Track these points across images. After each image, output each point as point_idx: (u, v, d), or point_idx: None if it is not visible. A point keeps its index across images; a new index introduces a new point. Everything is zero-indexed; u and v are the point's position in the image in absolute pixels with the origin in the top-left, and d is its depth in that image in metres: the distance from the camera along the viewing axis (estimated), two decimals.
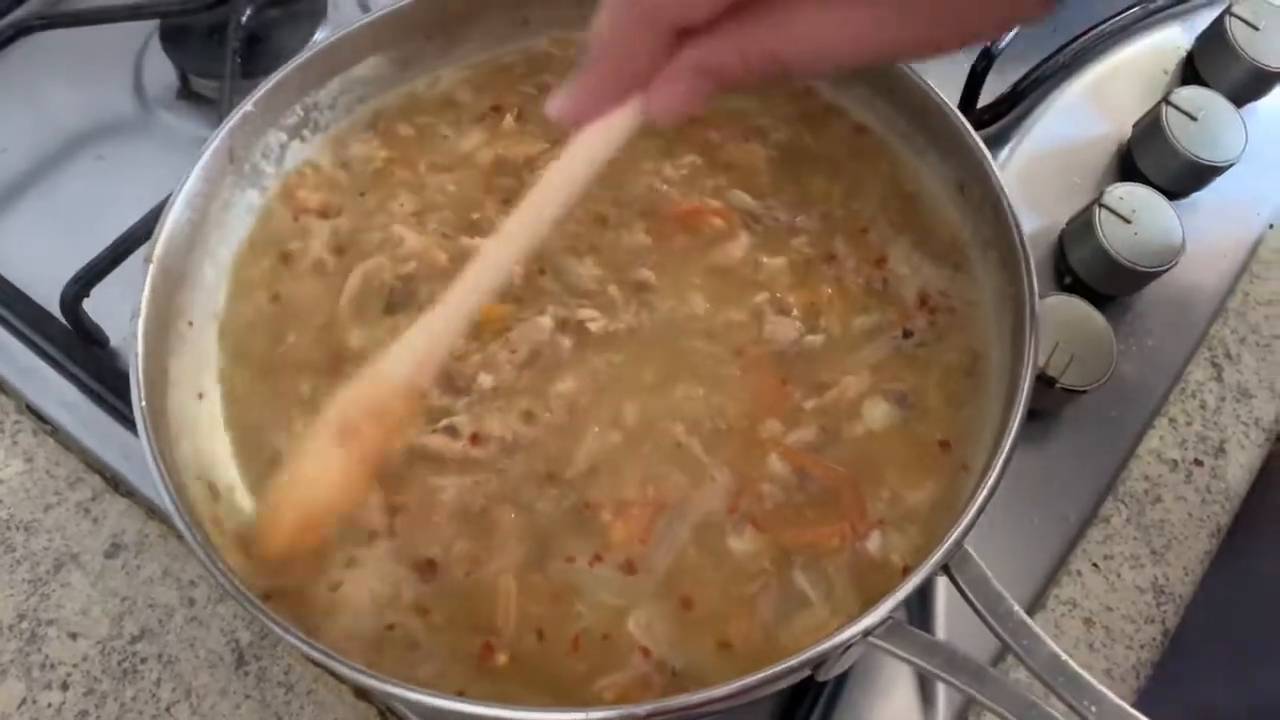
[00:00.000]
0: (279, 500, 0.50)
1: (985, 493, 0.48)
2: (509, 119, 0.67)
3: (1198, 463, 0.71)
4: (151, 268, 0.56)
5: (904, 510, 0.55)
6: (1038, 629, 0.47)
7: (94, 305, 0.69)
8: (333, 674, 0.63)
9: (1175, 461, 0.71)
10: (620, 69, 0.42)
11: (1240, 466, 0.71)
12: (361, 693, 0.63)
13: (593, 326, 0.59)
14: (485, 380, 0.58)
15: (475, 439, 0.56)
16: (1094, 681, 0.45)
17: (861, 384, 0.58)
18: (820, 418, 0.57)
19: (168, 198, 0.58)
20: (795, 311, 0.60)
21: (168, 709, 0.62)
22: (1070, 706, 0.45)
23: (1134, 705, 0.62)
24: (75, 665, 0.63)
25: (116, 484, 0.68)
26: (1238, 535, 0.69)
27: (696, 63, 0.41)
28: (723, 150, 0.65)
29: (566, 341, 0.59)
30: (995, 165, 0.58)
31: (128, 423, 0.68)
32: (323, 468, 0.48)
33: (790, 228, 0.63)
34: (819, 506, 0.55)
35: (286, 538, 0.49)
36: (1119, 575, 0.67)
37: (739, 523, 0.54)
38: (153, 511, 0.67)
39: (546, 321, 0.59)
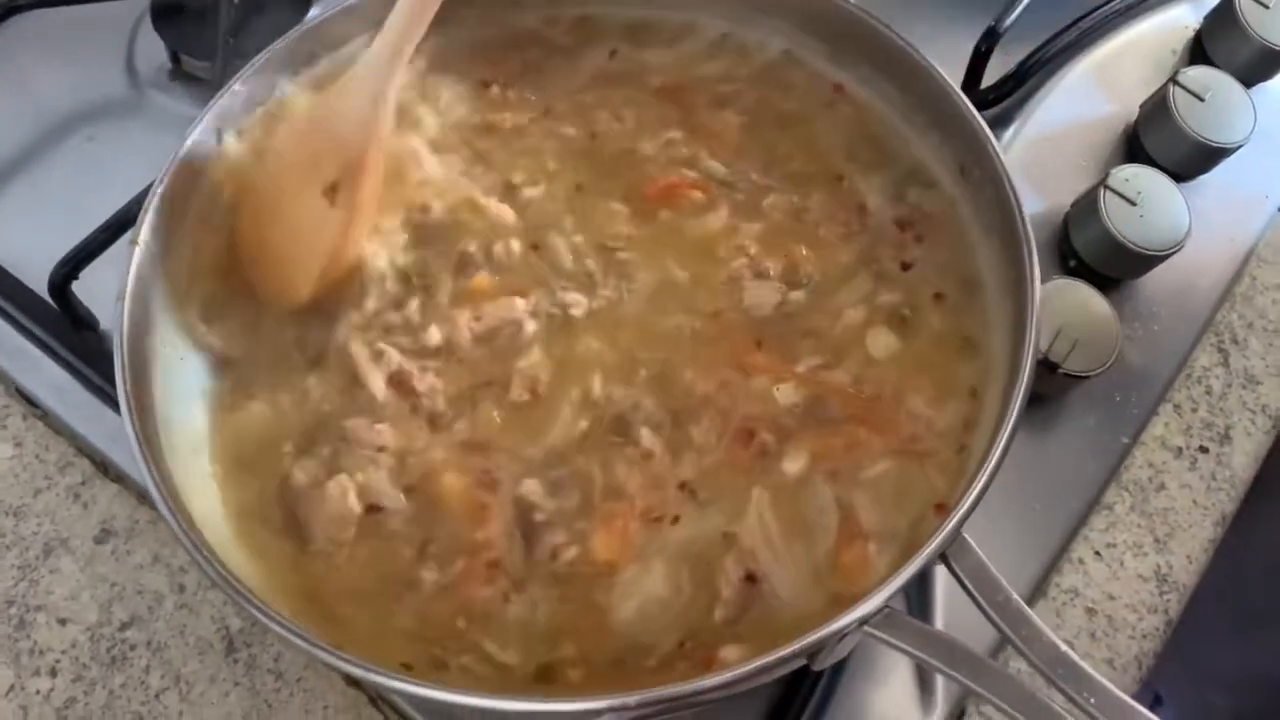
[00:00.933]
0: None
1: (984, 480, 0.47)
2: (495, 89, 0.66)
3: (1203, 449, 0.70)
4: (137, 250, 0.55)
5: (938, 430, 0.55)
6: (1037, 620, 0.46)
7: (84, 288, 0.68)
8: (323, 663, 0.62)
9: (1180, 448, 0.70)
10: None
11: (1246, 454, 0.70)
12: (352, 680, 0.62)
13: (576, 312, 0.58)
14: (434, 334, 0.58)
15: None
16: (1094, 673, 0.44)
17: (858, 315, 0.58)
18: (822, 356, 0.57)
19: (155, 179, 0.57)
20: (773, 273, 0.60)
21: (157, 696, 0.62)
22: (1070, 698, 0.44)
23: (1139, 685, 0.62)
24: (64, 652, 0.63)
25: (106, 469, 0.68)
26: (1248, 504, 0.68)
27: None
28: (700, 119, 0.65)
29: (533, 326, 0.58)
30: (998, 146, 0.56)
31: (117, 406, 0.67)
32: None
33: (765, 189, 0.63)
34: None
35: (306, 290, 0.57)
36: (1122, 563, 0.66)
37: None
38: (143, 497, 0.67)
39: (520, 304, 0.59)
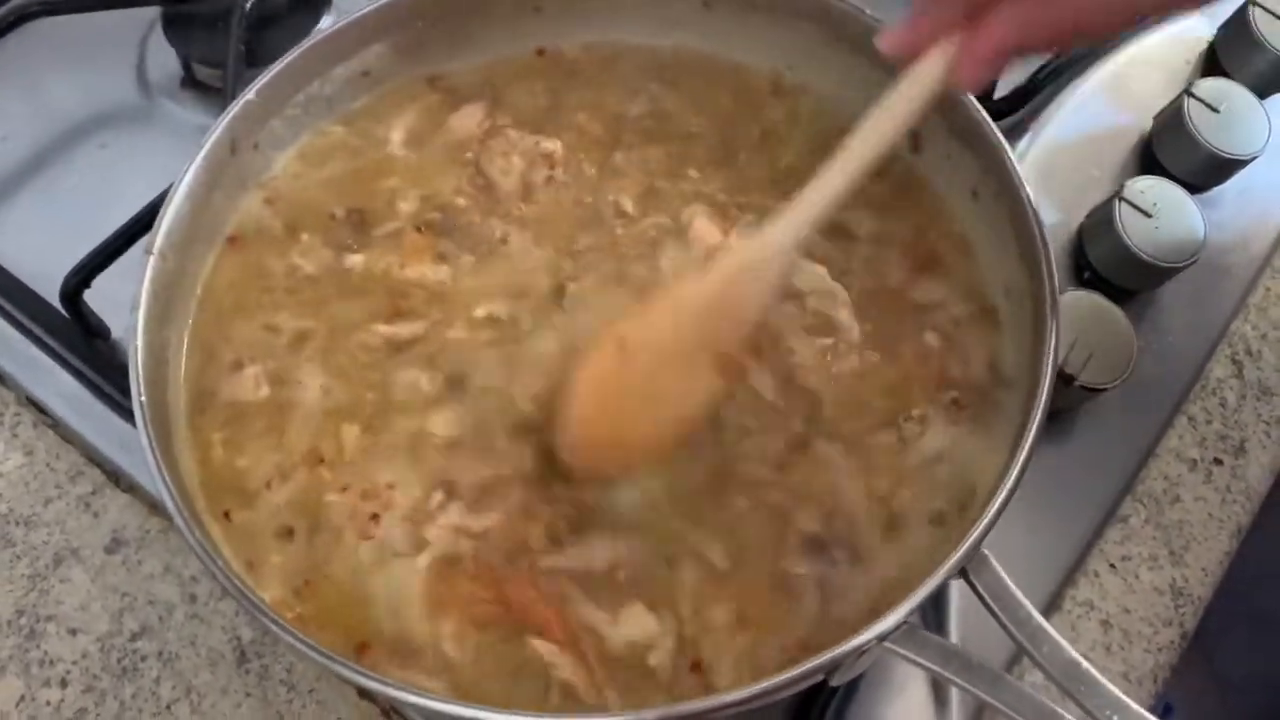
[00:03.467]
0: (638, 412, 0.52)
1: (1003, 495, 0.47)
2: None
3: (1218, 462, 0.70)
4: (152, 259, 0.55)
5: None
6: (1056, 635, 0.45)
7: (96, 297, 0.68)
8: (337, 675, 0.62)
9: (1195, 460, 0.70)
10: (950, 9, 0.45)
11: (1261, 466, 0.70)
12: (364, 691, 0.62)
13: None
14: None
15: None
16: (1114, 689, 0.44)
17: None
18: None
19: (169, 188, 0.57)
20: None
21: (168, 707, 0.61)
22: (1088, 713, 0.44)
23: (1154, 699, 0.62)
24: (75, 662, 0.62)
25: (118, 479, 0.67)
26: (1262, 516, 0.68)
27: (1022, 16, 0.43)
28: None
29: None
30: (1014, 156, 0.56)
31: (129, 416, 0.65)
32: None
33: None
34: None
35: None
36: (1137, 576, 0.66)
37: None
38: (154, 507, 0.66)
39: None
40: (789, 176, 0.61)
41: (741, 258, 0.52)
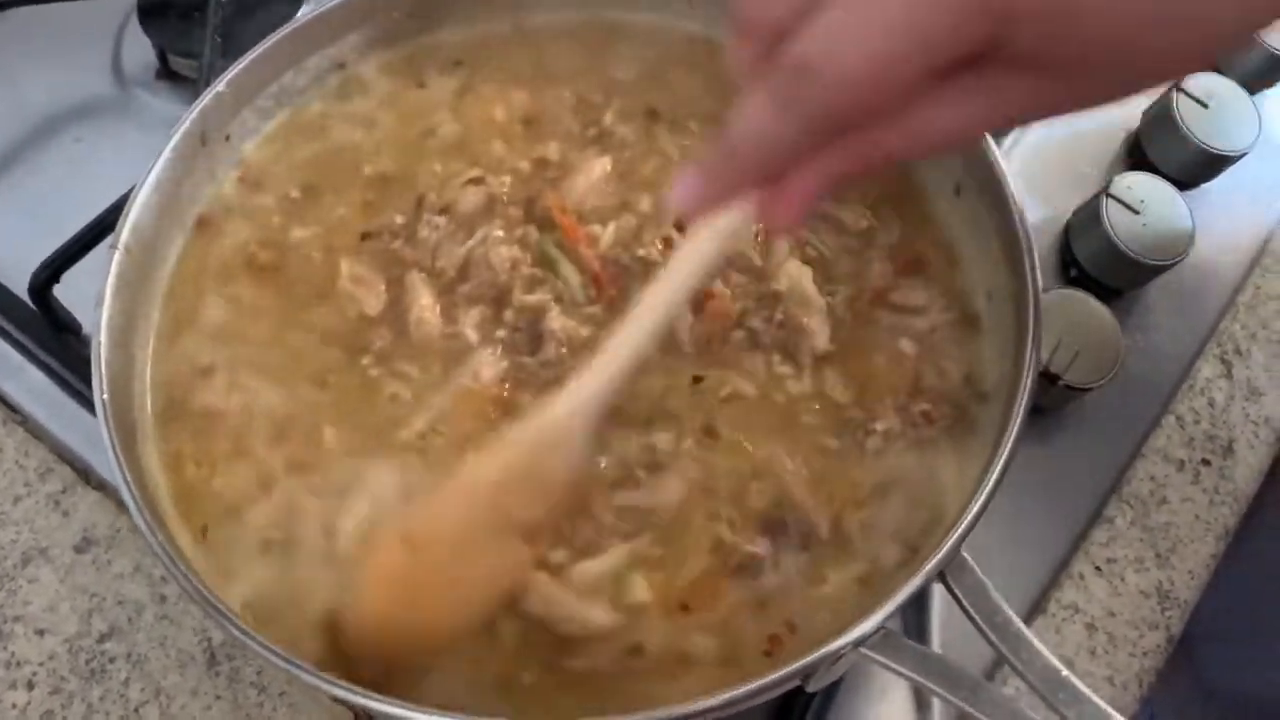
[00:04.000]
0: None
1: (983, 498, 0.46)
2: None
3: (1205, 462, 0.69)
4: (117, 254, 0.54)
5: None
6: (1036, 642, 0.44)
7: (66, 293, 0.67)
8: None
9: (1182, 461, 0.69)
10: (761, 164, 0.39)
11: (1249, 467, 0.69)
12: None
13: None
14: None
15: None
16: (1095, 697, 0.43)
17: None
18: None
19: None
20: None
21: (136, 710, 0.60)
22: None
23: (1139, 703, 0.61)
24: (42, 664, 0.61)
25: (88, 476, 0.66)
26: (1251, 518, 0.67)
27: (826, 166, 0.38)
28: None
29: None
30: (999, 152, 0.55)
31: None
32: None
33: None
34: None
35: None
36: (1122, 579, 0.65)
37: None
38: (123, 506, 0.65)
39: None
40: None
41: (534, 433, 0.49)
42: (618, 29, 0.66)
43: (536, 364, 0.55)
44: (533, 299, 0.56)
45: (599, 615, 0.49)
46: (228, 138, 0.61)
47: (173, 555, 0.46)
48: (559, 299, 0.57)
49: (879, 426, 0.54)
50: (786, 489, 0.53)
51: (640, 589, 0.50)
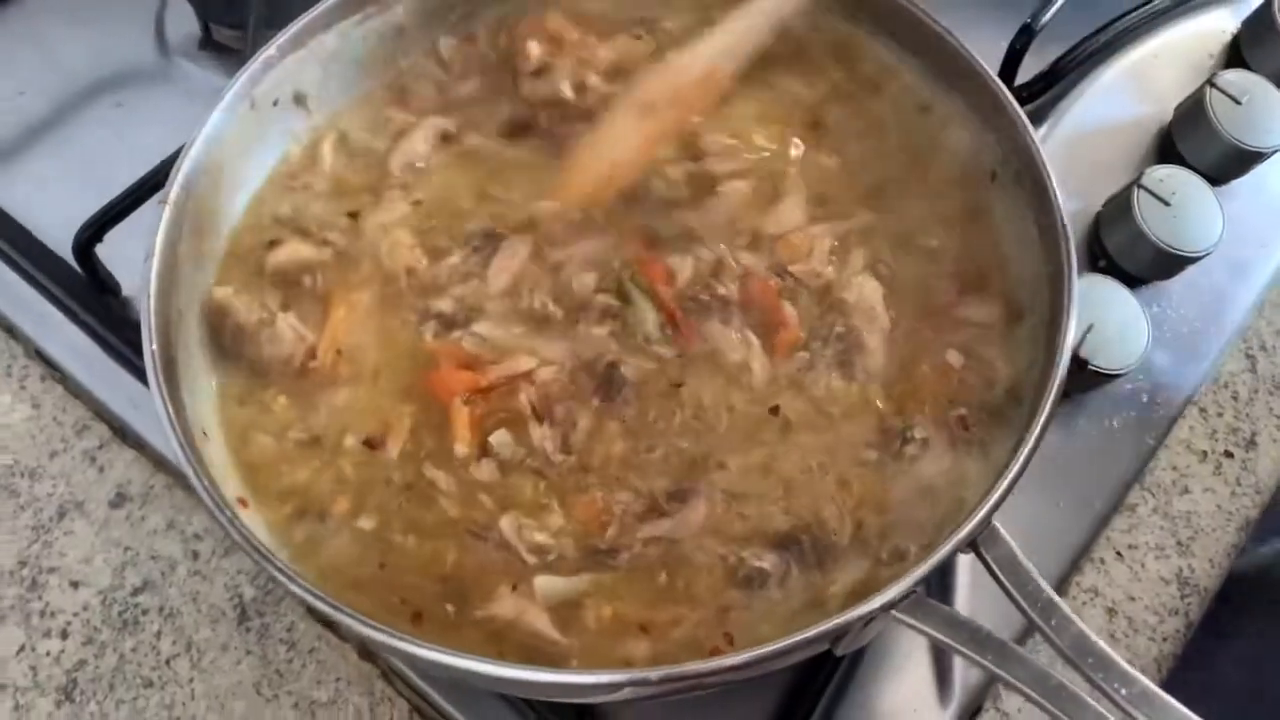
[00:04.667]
0: (585, 157, 0.62)
1: (1017, 467, 0.47)
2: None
3: (1228, 454, 0.69)
4: (166, 210, 0.55)
5: None
6: (1067, 608, 0.45)
7: (109, 254, 0.68)
8: (338, 630, 0.62)
9: (1205, 452, 0.69)
10: None
11: (1271, 460, 0.69)
12: (365, 653, 0.61)
13: None
14: None
15: None
16: (1123, 662, 0.43)
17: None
18: None
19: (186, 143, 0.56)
20: None
21: (167, 662, 0.61)
22: (1097, 686, 0.44)
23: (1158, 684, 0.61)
24: (75, 614, 0.62)
25: (124, 434, 0.67)
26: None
27: None
28: None
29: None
30: (1037, 136, 0.56)
31: (137, 372, 0.67)
32: (624, 135, 0.61)
33: None
34: None
35: (588, 187, 0.61)
36: (1143, 565, 0.66)
37: None
38: (159, 463, 0.66)
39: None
40: None
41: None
42: None
43: None
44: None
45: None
46: (276, 102, 0.61)
47: (220, 504, 0.47)
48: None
49: (917, 434, 0.55)
50: (816, 508, 0.54)
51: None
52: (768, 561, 0.52)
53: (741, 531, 0.53)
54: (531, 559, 0.52)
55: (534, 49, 0.64)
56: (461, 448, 0.55)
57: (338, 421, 0.56)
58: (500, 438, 0.55)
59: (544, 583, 0.52)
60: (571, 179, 0.61)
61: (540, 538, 0.53)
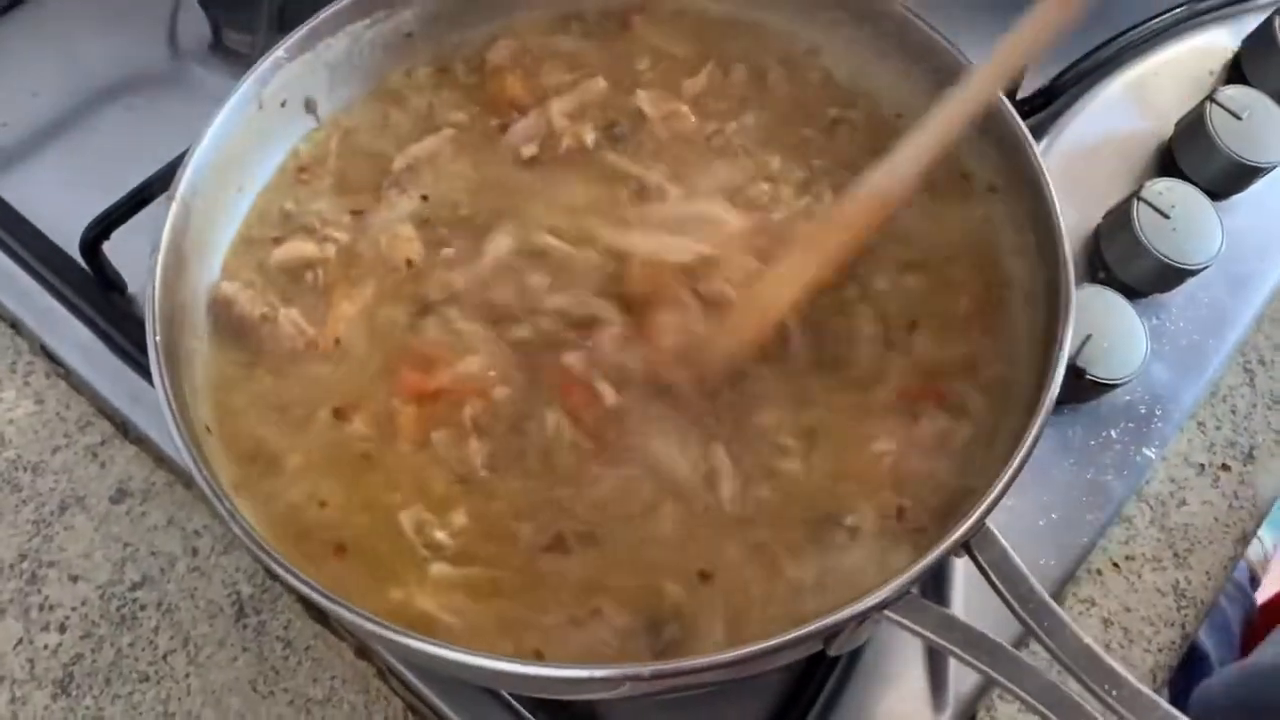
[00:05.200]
0: (758, 295, 0.56)
1: (1011, 469, 0.47)
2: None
3: (1225, 468, 0.70)
4: (174, 205, 0.55)
5: None
6: (1060, 611, 0.45)
7: (115, 252, 0.68)
8: (335, 628, 0.62)
9: (1203, 465, 0.70)
10: None
11: (1270, 474, 0.70)
12: (361, 651, 0.61)
13: None
14: None
15: None
16: (1116, 665, 0.43)
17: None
18: None
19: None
20: None
21: (164, 657, 0.61)
22: (1091, 690, 0.44)
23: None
24: (74, 608, 0.62)
25: (126, 430, 0.68)
26: None
27: None
28: None
29: None
30: (1037, 150, 0.56)
31: (141, 369, 0.67)
32: (797, 273, 0.56)
33: None
34: None
35: (755, 330, 0.56)
36: (1140, 576, 0.66)
37: None
38: (160, 459, 0.67)
39: None
40: None
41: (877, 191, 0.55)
42: None
43: None
44: None
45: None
46: (283, 104, 0.62)
47: (221, 497, 0.47)
48: None
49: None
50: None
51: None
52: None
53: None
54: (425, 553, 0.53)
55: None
56: (404, 445, 0.55)
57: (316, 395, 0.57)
58: (439, 437, 0.55)
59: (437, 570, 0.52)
60: (742, 320, 0.57)
61: (439, 535, 0.53)
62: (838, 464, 0.55)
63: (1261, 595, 1.34)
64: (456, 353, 0.57)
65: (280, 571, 0.45)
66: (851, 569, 0.52)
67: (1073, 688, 0.44)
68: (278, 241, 0.61)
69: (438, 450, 0.55)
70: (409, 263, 0.60)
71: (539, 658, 0.49)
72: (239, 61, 0.80)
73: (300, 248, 0.60)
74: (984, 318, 0.58)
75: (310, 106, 0.64)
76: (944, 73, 0.60)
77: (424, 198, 0.62)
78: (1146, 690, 0.43)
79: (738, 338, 0.56)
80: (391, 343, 0.58)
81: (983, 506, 0.46)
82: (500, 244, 0.60)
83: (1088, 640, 0.44)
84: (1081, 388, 0.64)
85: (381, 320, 0.59)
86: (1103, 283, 0.70)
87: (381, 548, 0.53)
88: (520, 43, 0.67)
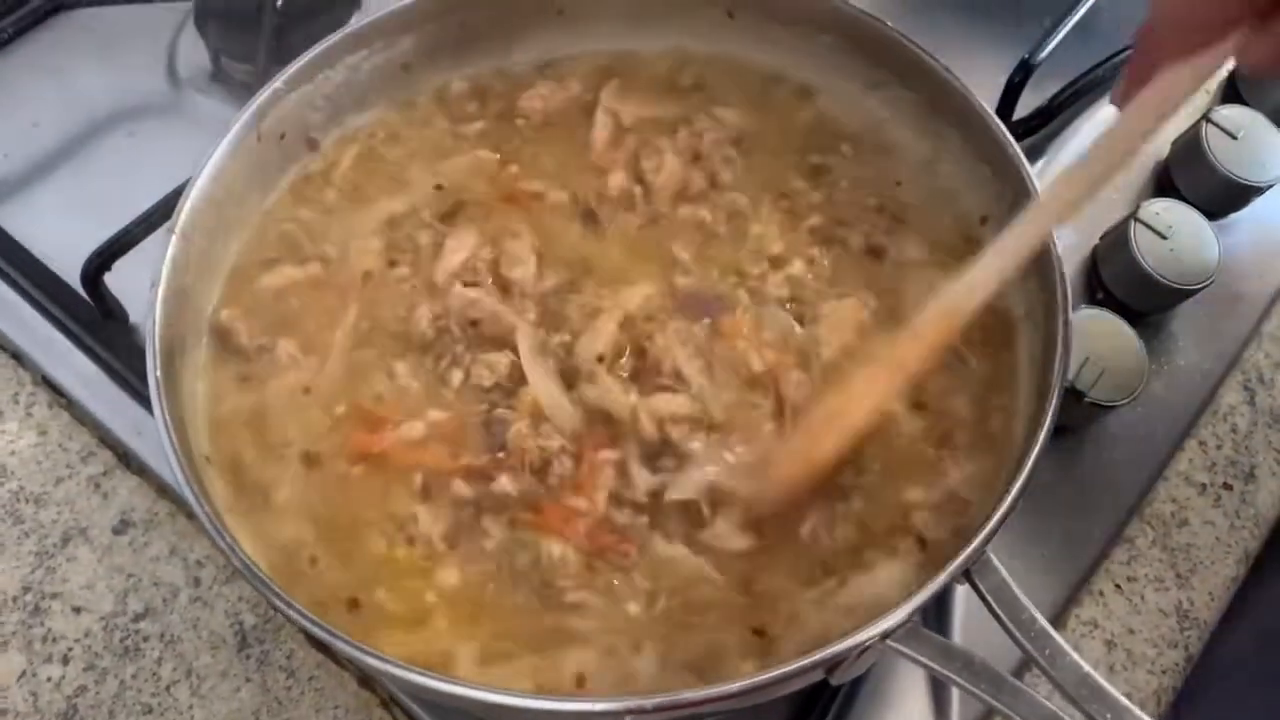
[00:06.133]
0: (821, 429, 0.53)
1: (1011, 498, 0.47)
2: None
3: (1227, 487, 0.70)
4: (174, 239, 0.56)
5: None
6: (1061, 640, 0.45)
7: (116, 282, 0.68)
8: (336, 658, 0.62)
9: (1204, 485, 0.70)
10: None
11: (1270, 493, 0.70)
12: (364, 681, 0.61)
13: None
14: None
15: None
16: (1117, 694, 0.43)
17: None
18: None
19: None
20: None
21: (167, 688, 0.61)
22: (1091, 718, 0.43)
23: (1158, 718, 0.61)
24: (77, 640, 0.63)
25: (128, 461, 0.68)
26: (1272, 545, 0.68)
27: None
28: None
29: None
30: (1033, 173, 0.57)
31: (143, 399, 0.67)
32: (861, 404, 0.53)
33: None
34: None
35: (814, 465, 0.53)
36: (1142, 597, 0.66)
37: None
38: (163, 490, 0.67)
39: None
40: None
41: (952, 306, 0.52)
42: None
43: None
44: None
45: None
46: (283, 136, 0.62)
47: (220, 529, 0.47)
48: None
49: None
50: None
51: None
52: None
53: None
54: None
55: None
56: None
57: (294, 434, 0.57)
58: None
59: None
60: (802, 451, 0.54)
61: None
62: None
63: None
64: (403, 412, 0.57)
65: (281, 606, 0.45)
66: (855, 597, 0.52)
67: (1074, 716, 0.43)
68: (275, 270, 0.61)
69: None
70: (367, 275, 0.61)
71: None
72: (239, 89, 0.81)
73: (288, 274, 0.61)
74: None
75: (308, 138, 0.64)
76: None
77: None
78: (1147, 719, 0.43)
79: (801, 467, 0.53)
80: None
81: (983, 534, 0.46)
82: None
83: (1088, 669, 0.44)
84: (1082, 410, 0.64)
85: (355, 356, 0.59)
86: (1100, 304, 0.70)
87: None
88: None
